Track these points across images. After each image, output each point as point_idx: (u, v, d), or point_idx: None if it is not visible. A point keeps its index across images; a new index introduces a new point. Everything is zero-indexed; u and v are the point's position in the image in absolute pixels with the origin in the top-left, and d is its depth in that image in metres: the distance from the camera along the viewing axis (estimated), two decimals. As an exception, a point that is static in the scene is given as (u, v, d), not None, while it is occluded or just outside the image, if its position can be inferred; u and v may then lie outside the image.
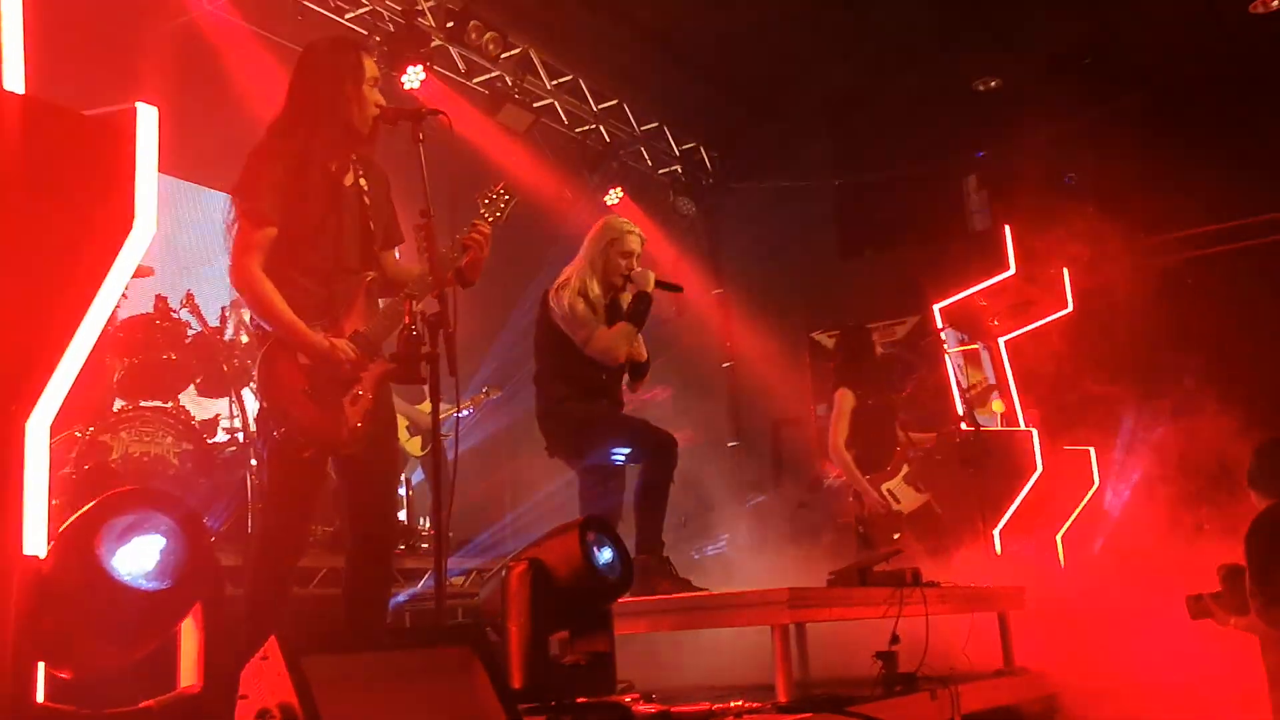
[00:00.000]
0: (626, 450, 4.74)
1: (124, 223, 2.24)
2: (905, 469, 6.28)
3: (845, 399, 6.32)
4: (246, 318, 5.64)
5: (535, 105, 8.66)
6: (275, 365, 3.35)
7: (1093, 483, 7.43)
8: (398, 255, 3.95)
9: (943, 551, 6.01)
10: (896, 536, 6.03)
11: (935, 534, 6.30)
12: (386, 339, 3.52)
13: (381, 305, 3.65)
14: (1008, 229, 7.67)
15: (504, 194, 3.69)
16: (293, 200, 3.41)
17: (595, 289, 4.84)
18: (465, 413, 7.44)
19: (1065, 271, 7.78)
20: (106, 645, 2.25)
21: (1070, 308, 7.73)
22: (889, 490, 6.20)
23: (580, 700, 3.05)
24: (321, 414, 3.34)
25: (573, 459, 4.87)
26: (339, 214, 3.53)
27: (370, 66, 3.59)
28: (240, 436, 5.71)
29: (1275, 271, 8.14)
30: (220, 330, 5.92)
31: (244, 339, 5.87)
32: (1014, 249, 7.53)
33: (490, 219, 3.64)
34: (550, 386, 4.86)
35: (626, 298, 4.91)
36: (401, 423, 7.58)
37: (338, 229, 3.52)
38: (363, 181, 3.64)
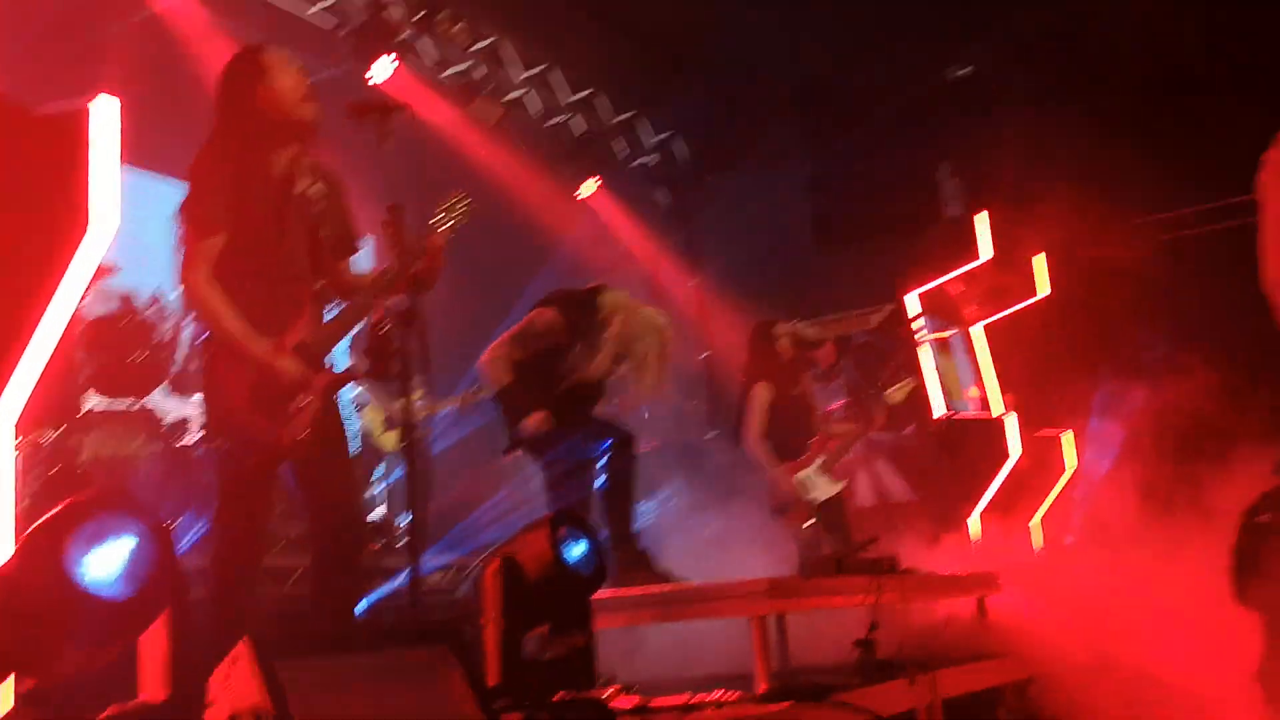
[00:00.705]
0: (586, 446, 4.74)
1: (80, 222, 2.20)
2: (821, 459, 6.39)
3: (763, 392, 6.41)
4: None
5: (507, 97, 8.60)
6: (219, 373, 3.32)
7: (1068, 467, 7.48)
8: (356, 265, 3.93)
9: (845, 537, 6.14)
10: (808, 524, 6.19)
11: (845, 522, 6.43)
12: (333, 348, 3.52)
13: (335, 314, 3.62)
14: (981, 216, 7.69)
15: (460, 203, 3.67)
16: (237, 207, 3.38)
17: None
18: (450, 410, 7.43)
19: (1039, 257, 7.81)
20: (72, 652, 2.22)
21: (1044, 293, 7.77)
22: (801, 479, 6.32)
23: (559, 697, 3.03)
24: (266, 422, 3.31)
25: (533, 453, 4.87)
26: (285, 220, 3.49)
27: (273, 56, 3.52)
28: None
29: (1250, 253, 8.17)
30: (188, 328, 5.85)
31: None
32: (987, 236, 7.55)
33: (446, 226, 3.62)
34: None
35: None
36: (378, 416, 7.54)
37: (283, 235, 3.48)
38: (314, 188, 3.59)
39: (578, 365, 4.88)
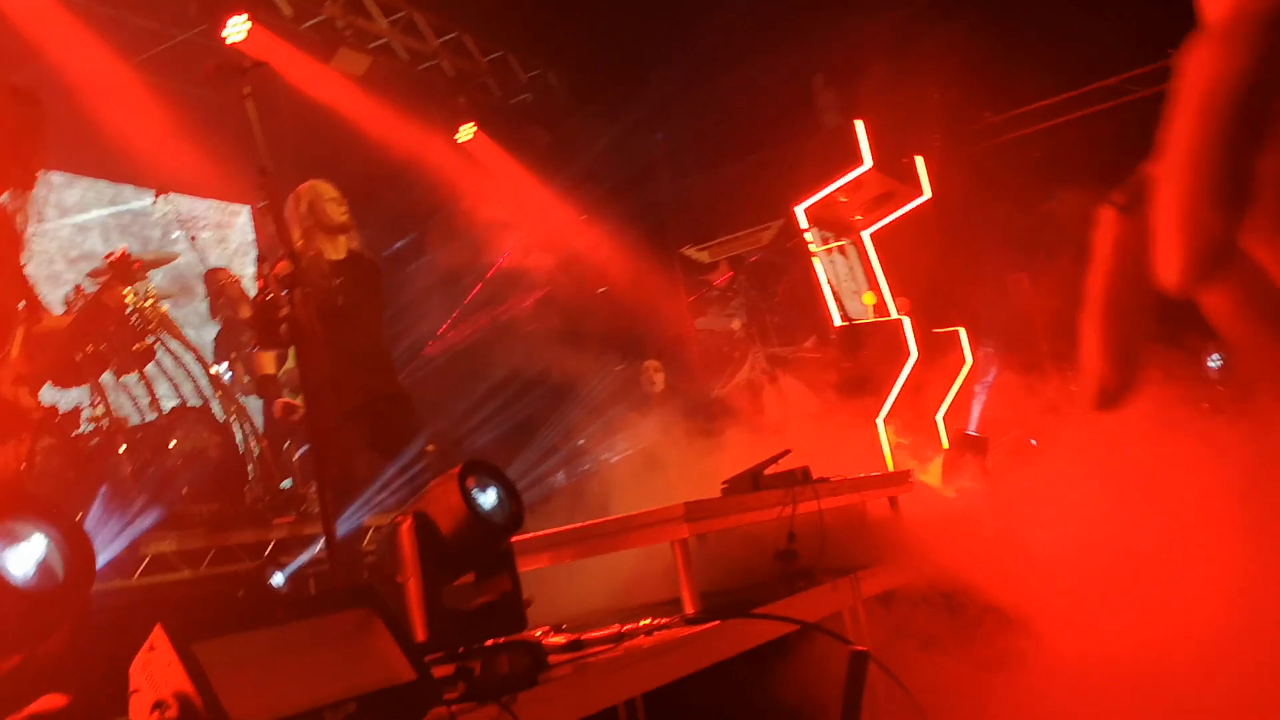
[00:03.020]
0: None
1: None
2: None
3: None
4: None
5: (371, 46, 8.37)
6: None
7: (965, 361, 7.66)
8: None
9: None
10: None
11: None
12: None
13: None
14: (859, 123, 7.75)
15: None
16: None
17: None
18: None
19: (919, 159, 7.92)
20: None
21: (927, 194, 7.89)
22: None
23: (490, 642, 3.03)
24: None
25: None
26: None
27: None
28: (105, 424, 5.50)
29: (1122, 133, 8.39)
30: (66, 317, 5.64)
31: None
32: (867, 142, 7.62)
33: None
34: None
35: None
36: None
37: None
38: None
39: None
